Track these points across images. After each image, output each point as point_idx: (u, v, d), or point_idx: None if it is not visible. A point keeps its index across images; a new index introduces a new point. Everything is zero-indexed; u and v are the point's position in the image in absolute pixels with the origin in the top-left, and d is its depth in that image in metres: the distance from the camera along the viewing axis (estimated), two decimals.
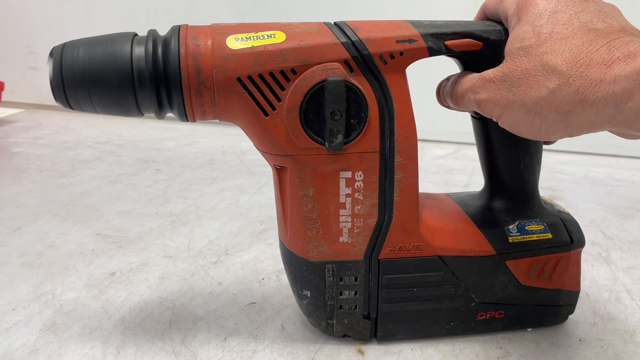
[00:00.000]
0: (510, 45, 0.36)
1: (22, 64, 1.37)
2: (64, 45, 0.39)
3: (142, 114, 0.41)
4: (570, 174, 0.96)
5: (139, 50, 0.38)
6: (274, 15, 1.14)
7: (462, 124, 1.14)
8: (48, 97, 1.54)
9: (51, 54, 0.39)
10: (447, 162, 1.02)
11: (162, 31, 0.41)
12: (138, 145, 1.08)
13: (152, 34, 0.39)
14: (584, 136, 0.35)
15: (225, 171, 0.93)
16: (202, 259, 0.62)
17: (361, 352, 0.46)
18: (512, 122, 0.36)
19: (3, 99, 1.28)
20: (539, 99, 0.33)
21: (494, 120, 0.37)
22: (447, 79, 0.43)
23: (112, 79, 0.38)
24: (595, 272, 0.60)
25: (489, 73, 0.37)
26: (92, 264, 0.61)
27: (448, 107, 0.44)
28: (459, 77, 0.41)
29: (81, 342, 0.47)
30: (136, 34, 0.40)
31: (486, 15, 0.43)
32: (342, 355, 0.46)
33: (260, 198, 0.81)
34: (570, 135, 0.34)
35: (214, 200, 0.80)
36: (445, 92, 0.43)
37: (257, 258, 0.62)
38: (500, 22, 0.41)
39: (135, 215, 0.74)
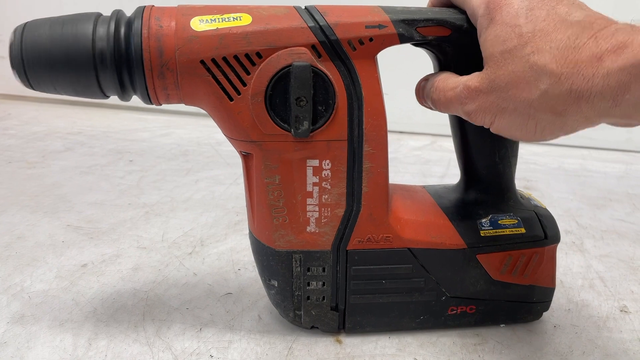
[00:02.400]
0: (491, 49, 0.34)
1: None
2: (25, 24, 0.38)
3: (107, 96, 0.40)
4: (543, 165, 0.97)
5: (101, 31, 0.37)
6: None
7: (438, 116, 1.15)
8: (17, 87, 1.49)
9: (13, 34, 0.37)
10: (424, 154, 1.02)
11: (121, 10, 0.40)
12: (111, 136, 1.06)
13: (116, 14, 0.38)
14: None
15: (200, 162, 0.92)
16: (176, 249, 0.61)
17: (339, 341, 0.46)
18: (505, 128, 0.35)
19: None
20: (531, 102, 0.32)
21: (486, 127, 0.36)
22: (426, 79, 0.42)
23: (74, 59, 0.37)
24: (570, 260, 0.61)
25: (473, 81, 0.35)
26: (63, 255, 0.59)
27: (430, 108, 0.42)
28: (438, 80, 0.39)
29: (51, 335, 0.46)
30: (100, 14, 0.39)
31: (445, 2, 0.41)
32: (320, 345, 0.45)
33: (237, 189, 0.80)
34: (567, 134, 0.34)
35: (189, 192, 0.78)
36: (426, 94, 0.41)
37: (234, 249, 0.61)
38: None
39: (108, 207, 0.72)
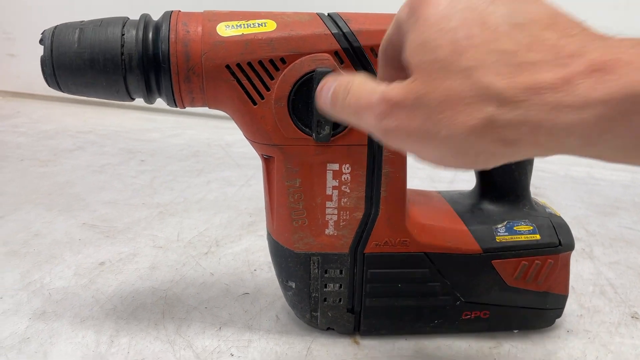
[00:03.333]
0: (418, 56, 0.26)
1: (0, 50, 1.33)
2: (55, 27, 0.39)
3: (133, 99, 0.41)
4: (551, 173, 0.98)
5: (129, 35, 0.38)
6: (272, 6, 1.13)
7: None
8: (26, 85, 1.50)
9: (42, 37, 0.38)
10: None
11: (148, 14, 0.40)
12: (121, 136, 1.06)
13: (144, 18, 0.39)
14: None
15: (211, 163, 0.92)
16: (192, 249, 0.62)
17: (356, 342, 0.47)
18: (435, 157, 0.27)
19: None
20: (473, 129, 0.24)
21: (404, 153, 0.31)
22: (334, 78, 0.32)
23: (103, 62, 0.37)
24: (580, 267, 0.61)
25: (394, 93, 0.27)
26: (80, 253, 0.60)
27: (327, 115, 0.33)
28: (355, 83, 0.30)
29: (73, 331, 0.46)
30: (128, 19, 0.39)
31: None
32: (338, 345, 0.46)
33: (249, 191, 0.81)
34: (520, 159, 0.27)
35: (202, 192, 0.79)
36: (332, 96, 0.32)
37: (248, 249, 0.62)
38: None
39: (122, 206, 0.73)
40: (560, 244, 0.46)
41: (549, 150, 0.24)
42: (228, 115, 0.42)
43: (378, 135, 0.28)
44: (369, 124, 0.29)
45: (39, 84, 1.34)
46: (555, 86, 0.22)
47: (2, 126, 1.09)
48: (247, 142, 0.43)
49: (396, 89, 0.27)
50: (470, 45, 0.24)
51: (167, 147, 1.01)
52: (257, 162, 0.44)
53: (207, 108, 0.42)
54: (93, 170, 0.86)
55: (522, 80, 0.23)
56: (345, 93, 0.30)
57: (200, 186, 0.82)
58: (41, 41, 0.38)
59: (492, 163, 0.27)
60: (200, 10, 0.40)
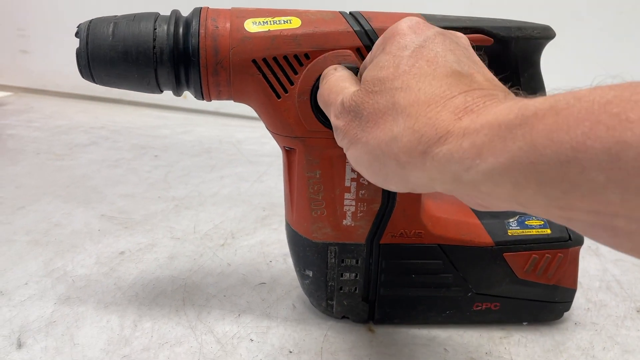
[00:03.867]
0: (367, 73, 0.32)
1: (13, 47, 1.35)
2: (90, 21, 0.40)
3: (162, 91, 0.43)
4: None
5: (161, 29, 0.39)
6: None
7: None
8: (38, 81, 1.51)
9: (78, 30, 0.40)
10: None
11: (165, 11, 0.42)
12: (133, 132, 1.08)
13: (175, 14, 0.41)
14: None
15: (223, 159, 0.94)
16: (209, 241, 0.63)
17: (372, 330, 0.48)
18: (354, 160, 0.33)
19: None
20: (380, 142, 0.29)
21: (344, 150, 0.35)
22: (334, 67, 0.39)
23: (135, 55, 0.39)
24: (586, 264, 0.63)
25: (347, 98, 0.32)
26: (100, 243, 0.61)
27: None
28: (335, 77, 0.37)
29: (97, 316, 0.48)
30: (159, 14, 0.41)
31: None
32: (354, 333, 0.48)
33: (261, 186, 0.82)
34: (413, 190, 0.31)
35: (215, 187, 0.81)
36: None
37: (263, 242, 0.64)
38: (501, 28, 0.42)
39: (139, 199, 0.74)
40: (570, 238, 0.47)
41: (433, 180, 0.27)
42: (237, 113, 0.43)
43: (333, 128, 0.34)
44: (330, 116, 0.35)
45: (51, 80, 1.37)
46: (450, 116, 0.26)
47: (17, 121, 1.11)
48: (257, 140, 0.44)
49: (349, 96, 0.32)
50: (408, 72, 0.29)
51: (179, 143, 1.02)
52: (269, 159, 0.45)
53: (216, 106, 0.43)
54: (108, 165, 0.88)
55: (431, 108, 0.27)
56: (323, 82, 0.37)
57: (214, 181, 0.83)
58: (77, 34, 0.40)
59: (391, 182, 0.30)
60: (205, 5, 0.42)
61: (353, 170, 0.43)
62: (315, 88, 0.40)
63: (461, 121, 0.25)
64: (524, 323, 0.50)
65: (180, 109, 1.25)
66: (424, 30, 0.32)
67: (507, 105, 0.24)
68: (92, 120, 1.15)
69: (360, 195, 0.44)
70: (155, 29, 0.39)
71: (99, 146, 0.98)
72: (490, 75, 0.30)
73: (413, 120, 0.27)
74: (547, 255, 0.47)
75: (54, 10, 1.29)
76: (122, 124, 1.14)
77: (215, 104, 1.22)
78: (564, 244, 0.47)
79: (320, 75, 0.40)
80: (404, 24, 0.33)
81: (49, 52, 1.32)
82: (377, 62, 0.32)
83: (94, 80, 0.41)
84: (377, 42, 0.35)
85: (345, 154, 0.42)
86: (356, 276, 0.47)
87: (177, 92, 0.42)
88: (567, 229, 0.48)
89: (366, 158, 0.31)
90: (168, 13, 0.41)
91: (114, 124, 1.14)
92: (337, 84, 0.35)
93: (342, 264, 0.46)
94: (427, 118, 0.27)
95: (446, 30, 0.34)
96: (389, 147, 0.28)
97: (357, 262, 0.46)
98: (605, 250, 0.67)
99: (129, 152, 0.95)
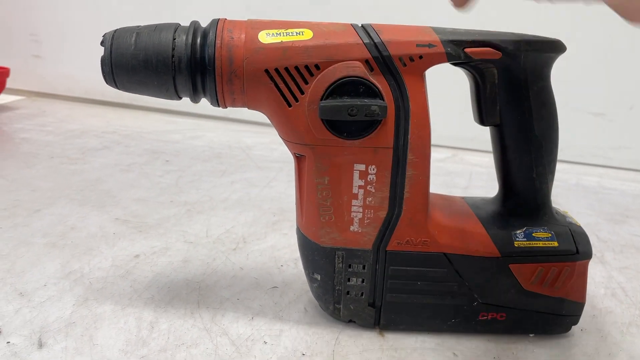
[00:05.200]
0: None
1: (26, 51, 1.37)
2: (115, 31, 0.42)
3: (180, 98, 0.45)
4: (563, 181, 1.01)
5: (180, 39, 0.41)
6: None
7: (459, 129, 1.19)
8: (50, 85, 1.54)
9: (103, 40, 0.42)
10: (446, 165, 1.06)
11: (174, 20, 0.44)
12: (144, 137, 1.10)
13: (194, 25, 0.43)
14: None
15: (233, 165, 0.96)
16: (221, 245, 0.65)
17: (382, 335, 0.49)
18: None
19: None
20: None
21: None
22: None
23: (155, 63, 0.41)
24: (592, 271, 0.64)
25: None
26: (115, 246, 0.63)
27: None
28: None
29: (115, 317, 0.49)
30: (179, 25, 0.43)
31: None
32: (364, 337, 0.49)
33: (271, 192, 0.84)
34: None
35: (226, 192, 0.82)
36: None
37: (274, 246, 0.65)
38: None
39: (152, 203, 0.76)
40: (577, 252, 0.47)
41: None
42: (246, 119, 0.45)
43: None
44: None
45: (63, 85, 1.39)
46: None
47: (29, 125, 1.13)
48: (266, 146, 0.46)
49: None
50: None
51: (190, 148, 1.04)
52: (277, 165, 0.47)
53: (225, 112, 0.45)
54: (121, 169, 0.89)
55: None
56: None
57: (224, 186, 0.85)
58: (102, 43, 0.41)
59: None
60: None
61: (360, 178, 0.44)
62: (324, 97, 0.41)
63: None
64: (531, 335, 0.50)
65: (190, 114, 1.27)
66: None
67: None
68: (104, 124, 1.17)
69: (367, 202, 0.45)
70: (174, 39, 0.41)
71: (111, 150, 0.99)
72: None
73: None
74: (553, 267, 0.47)
75: (66, 15, 1.31)
76: (133, 128, 1.16)
77: (225, 110, 1.24)
78: (571, 257, 0.47)
79: (329, 85, 0.41)
80: None
81: (61, 57, 1.35)
82: None
83: (117, 86, 0.43)
84: None
85: (352, 163, 0.43)
86: (363, 281, 0.48)
87: (195, 99, 0.44)
88: (575, 242, 0.48)
89: None
90: (186, 24, 0.43)
91: (125, 128, 1.15)
92: None
93: (349, 269, 0.47)
94: None
95: None
96: None
97: (363, 267, 0.47)
98: (610, 258, 0.68)
99: (140, 157, 0.97)
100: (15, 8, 1.35)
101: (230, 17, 0.44)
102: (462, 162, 1.10)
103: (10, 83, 1.32)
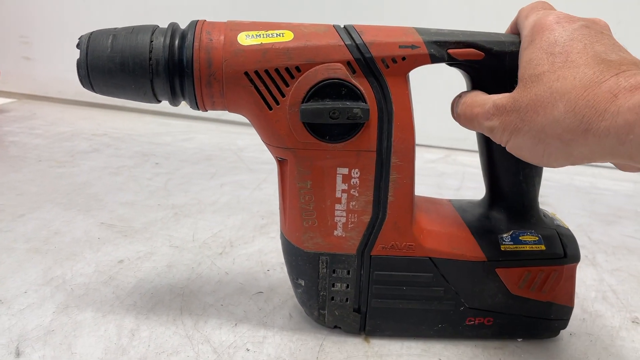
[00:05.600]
0: (523, 71, 0.36)
1: (16, 53, 1.36)
2: (91, 33, 0.41)
3: (159, 101, 0.44)
4: (556, 181, 1.00)
5: (158, 42, 0.40)
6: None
7: (452, 130, 1.18)
8: (41, 88, 1.53)
9: (79, 42, 0.41)
10: (439, 166, 1.05)
11: (157, 23, 0.43)
12: (135, 139, 1.09)
13: (172, 26, 0.42)
14: None
15: (224, 167, 0.95)
16: (207, 249, 0.64)
17: (367, 341, 0.49)
18: (517, 148, 0.36)
19: None
20: (543, 126, 0.33)
21: (502, 145, 0.38)
22: (459, 95, 0.43)
23: (132, 66, 0.40)
24: (583, 273, 0.63)
25: (502, 100, 0.37)
26: (99, 251, 0.62)
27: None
28: (468, 97, 0.41)
29: (95, 325, 0.48)
30: (157, 27, 0.42)
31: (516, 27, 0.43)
32: (349, 343, 0.48)
33: (261, 194, 0.83)
34: (573, 164, 0.34)
35: (215, 195, 0.81)
36: (454, 109, 0.43)
37: (261, 250, 0.64)
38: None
39: (139, 207, 0.75)
40: (565, 255, 0.47)
41: (594, 153, 0.31)
42: (238, 121, 0.44)
43: (486, 133, 0.39)
44: (480, 126, 0.39)
45: (54, 87, 1.38)
46: (606, 98, 0.30)
47: (19, 128, 1.12)
48: (258, 147, 0.45)
49: (503, 97, 0.37)
50: (563, 66, 0.33)
51: (180, 150, 1.03)
52: (269, 167, 0.46)
53: (218, 113, 0.44)
54: (109, 172, 0.88)
55: (587, 92, 0.31)
56: (461, 105, 0.41)
57: (213, 189, 0.84)
58: (78, 45, 0.41)
59: (553, 160, 0.34)
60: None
61: (344, 182, 0.44)
62: (305, 100, 0.40)
63: (617, 99, 0.29)
64: (519, 340, 0.50)
65: (182, 116, 1.26)
66: (570, 24, 0.35)
67: None
68: (94, 127, 1.16)
69: (351, 206, 0.44)
70: (152, 42, 0.40)
71: (101, 153, 0.98)
72: (634, 57, 0.34)
73: (573, 104, 0.31)
74: (541, 271, 0.46)
75: (56, 17, 1.30)
76: (124, 130, 1.15)
77: (217, 111, 1.23)
78: (558, 261, 0.47)
79: (310, 88, 0.40)
80: (550, 18, 0.36)
81: (52, 59, 1.34)
82: (532, 60, 0.35)
83: (93, 90, 0.42)
84: (523, 34, 0.38)
85: (335, 166, 0.43)
86: (347, 287, 0.47)
87: (174, 102, 0.43)
88: (562, 245, 0.47)
89: (530, 142, 0.35)
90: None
91: (116, 130, 1.14)
92: (475, 99, 0.40)
93: (334, 274, 0.47)
94: (585, 100, 0.31)
95: (587, 18, 0.36)
96: (553, 128, 0.32)
97: (348, 272, 0.47)
98: (602, 260, 0.67)
99: (130, 160, 0.96)
100: (5, 10, 1.34)
101: (221, 18, 0.43)
102: (454, 162, 1.09)
103: (0, 85, 1.31)
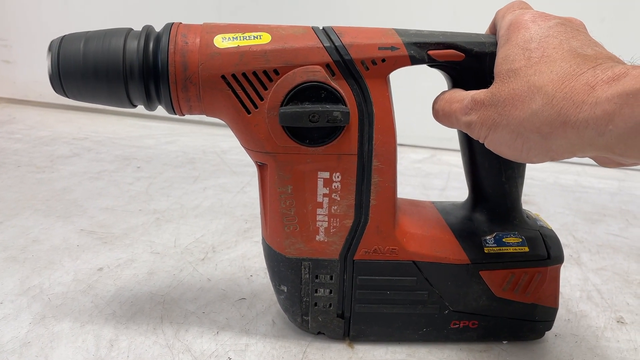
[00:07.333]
0: (499, 67, 0.36)
1: None
2: (62, 37, 0.40)
3: (134, 106, 0.43)
4: (540, 180, 1.00)
5: (131, 45, 0.39)
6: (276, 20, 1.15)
7: (438, 129, 1.17)
8: (21, 91, 1.50)
9: (50, 47, 0.40)
10: (424, 167, 1.05)
11: (140, 25, 0.42)
12: (117, 143, 1.07)
13: (146, 29, 0.41)
14: None
15: (207, 170, 0.94)
16: (189, 255, 0.63)
17: (351, 347, 0.48)
18: (496, 143, 0.36)
19: None
20: (522, 120, 0.33)
21: (481, 141, 0.38)
22: (440, 94, 0.43)
23: (105, 71, 0.39)
24: (568, 273, 0.63)
25: (479, 94, 0.37)
26: (79, 259, 0.61)
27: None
28: (447, 93, 0.42)
29: (73, 336, 0.47)
30: (131, 30, 0.41)
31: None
32: (333, 349, 0.47)
33: (244, 197, 0.82)
34: (552, 159, 0.35)
35: (198, 199, 0.80)
36: (434, 108, 0.43)
37: (245, 255, 0.63)
38: None
39: (119, 212, 0.74)
40: (549, 256, 0.47)
41: (573, 146, 0.31)
42: (222, 123, 0.43)
43: (464, 129, 0.39)
44: (458, 121, 0.39)
45: (34, 90, 1.36)
46: (584, 89, 0.30)
47: None
48: (242, 150, 0.44)
49: (481, 93, 0.37)
50: (539, 61, 0.33)
51: (163, 154, 1.02)
52: (253, 169, 0.45)
53: (201, 116, 0.43)
54: (90, 177, 0.87)
55: (564, 85, 0.31)
56: (439, 101, 0.42)
57: (196, 193, 0.83)
58: (49, 50, 0.39)
59: (533, 155, 0.34)
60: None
61: (325, 186, 0.43)
62: (284, 103, 0.40)
63: (594, 91, 0.29)
64: (504, 342, 0.49)
65: (165, 118, 1.24)
66: (546, 21, 0.36)
67: (633, 74, 0.28)
68: (75, 130, 1.14)
69: (332, 210, 0.44)
70: (125, 45, 0.39)
71: (81, 158, 0.97)
72: (609, 53, 0.34)
73: (550, 97, 0.31)
74: (524, 273, 0.46)
75: (36, 19, 1.28)
76: (105, 134, 1.13)
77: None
78: (542, 262, 0.46)
79: (289, 91, 0.39)
80: (526, 17, 0.37)
81: (32, 62, 1.31)
82: (508, 56, 0.36)
83: (67, 96, 0.41)
84: (500, 34, 0.39)
85: (316, 170, 0.42)
86: (330, 292, 0.46)
87: (149, 107, 0.42)
88: (546, 247, 0.47)
89: (508, 137, 0.35)
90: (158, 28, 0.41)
91: (97, 134, 1.13)
92: (453, 95, 0.40)
93: (316, 280, 0.46)
94: (563, 93, 0.31)
95: (562, 17, 0.37)
96: (531, 122, 0.33)
97: (331, 278, 0.46)
98: (586, 259, 0.67)
99: (111, 164, 0.94)
100: None
101: (197, 20, 0.42)
102: (440, 162, 1.08)
103: None
